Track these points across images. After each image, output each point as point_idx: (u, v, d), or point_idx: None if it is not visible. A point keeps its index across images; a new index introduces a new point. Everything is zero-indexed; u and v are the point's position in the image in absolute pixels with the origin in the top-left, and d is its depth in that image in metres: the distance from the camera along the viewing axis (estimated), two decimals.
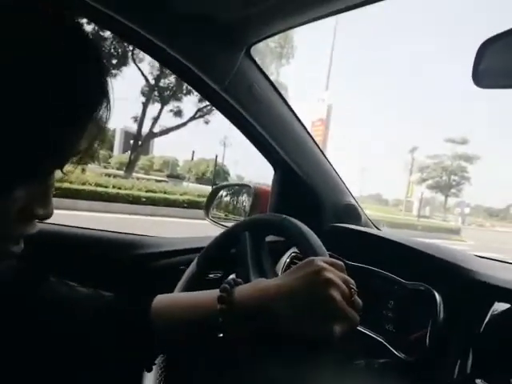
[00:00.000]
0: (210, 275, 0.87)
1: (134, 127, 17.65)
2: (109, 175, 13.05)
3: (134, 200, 9.52)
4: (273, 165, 1.06)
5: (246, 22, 0.83)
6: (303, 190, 1.02)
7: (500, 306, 0.60)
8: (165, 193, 10.57)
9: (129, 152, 19.61)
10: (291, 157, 0.99)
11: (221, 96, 0.93)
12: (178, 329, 0.51)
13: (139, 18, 0.78)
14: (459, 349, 0.61)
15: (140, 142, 16.80)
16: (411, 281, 0.72)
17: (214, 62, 0.90)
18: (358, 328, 0.75)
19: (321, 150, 1.01)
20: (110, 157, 26.38)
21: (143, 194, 9.95)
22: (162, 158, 31.09)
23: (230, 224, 1.07)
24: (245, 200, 1.10)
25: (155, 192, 10.41)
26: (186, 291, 0.78)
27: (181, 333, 0.51)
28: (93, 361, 0.50)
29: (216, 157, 20.74)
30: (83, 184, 9.31)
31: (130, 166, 16.32)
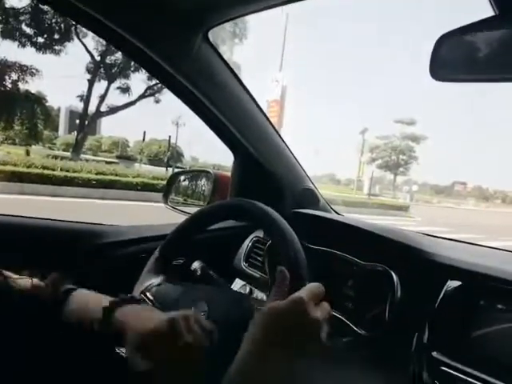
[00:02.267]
0: (173, 262, 0.87)
1: (80, 106, 16.69)
2: (55, 157, 12.37)
3: (84, 183, 9.11)
4: (232, 150, 1.05)
5: (203, 6, 0.80)
6: (263, 176, 1.02)
7: (453, 283, 0.65)
8: (116, 175, 10.19)
9: (75, 132, 18.59)
10: (250, 142, 0.99)
11: (178, 80, 0.91)
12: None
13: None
14: (416, 324, 0.66)
15: (87, 122, 15.97)
16: (369, 262, 0.76)
17: (171, 47, 0.87)
18: None
19: (279, 135, 1.01)
20: (55, 137, 24.88)
21: (93, 176, 9.53)
22: (110, 139, 29.76)
23: (189, 209, 1.07)
24: (204, 185, 1.09)
25: (106, 174, 10.01)
26: (150, 279, 0.78)
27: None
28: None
29: (169, 137, 20.20)
30: (28, 167, 8.80)
31: (77, 147, 15.51)
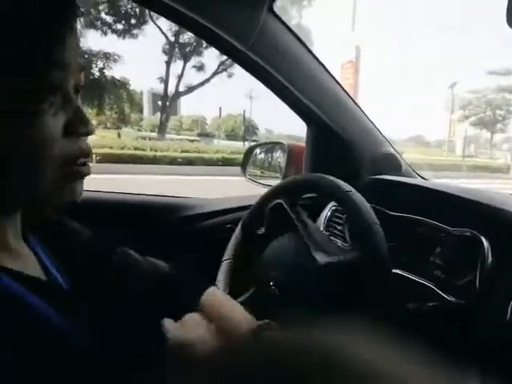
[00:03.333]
0: (257, 232, 0.91)
1: (160, 88, 17.59)
2: (144, 138, 13.42)
3: (171, 161, 9.84)
4: (305, 121, 1.05)
5: None
6: (338, 144, 1.00)
7: None
8: (199, 152, 10.82)
9: (158, 114, 19.71)
10: (323, 111, 0.97)
11: (247, 56, 0.92)
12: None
13: None
14: (510, 291, 0.62)
15: (168, 103, 16.83)
16: (457, 228, 0.72)
17: (237, 22, 0.88)
18: (407, 275, 0.77)
19: (353, 100, 0.98)
20: (141, 120, 26.71)
21: (178, 154, 10.24)
22: (190, 118, 31.11)
23: (266, 181, 1.10)
24: (279, 157, 1.11)
25: (190, 152, 10.67)
26: (237, 249, 0.85)
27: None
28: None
29: (244, 112, 20.45)
30: (122, 148, 9.71)
31: (161, 128, 16.50)
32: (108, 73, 14.65)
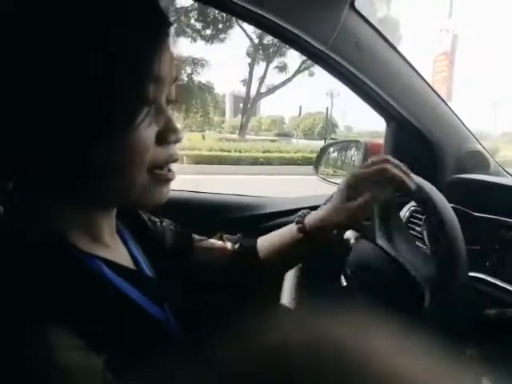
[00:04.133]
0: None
1: (241, 90, 18.08)
2: (227, 140, 14.05)
3: (253, 161, 10.20)
4: (385, 118, 1.03)
5: None
6: (419, 141, 0.97)
7: None
8: (280, 152, 11.03)
9: (239, 116, 20.27)
10: (404, 107, 0.95)
11: (327, 55, 0.93)
12: (275, 258, 0.68)
13: None
14: None
15: (249, 105, 17.25)
16: None
17: (317, 22, 0.89)
18: (491, 279, 0.73)
19: (437, 94, 0.94)
20: (223, 122, 27.75)
21: (261, 154, 10.55)
22: (269, 118, 31.54)
23: (338, 180, 1.10)
24: (353, 155, 1.10)
25: (271, 152, 10.94)
26: None
27: (277, 260, 0.68)
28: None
29: (327, 109, 20.07)
30: (210, 150, 10.33)
31: (242, 129, 16.98)
32: (195, 78, 15.44)
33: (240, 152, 10.68)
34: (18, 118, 0.36)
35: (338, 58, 0.93)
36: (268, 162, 10.29)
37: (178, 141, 0.45)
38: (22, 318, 0.31)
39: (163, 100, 0.42)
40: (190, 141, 12.50)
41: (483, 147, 0.95)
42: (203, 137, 15.82)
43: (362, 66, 0.93)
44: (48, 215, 0.41)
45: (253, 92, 16.86)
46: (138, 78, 0.37)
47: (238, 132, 17.76)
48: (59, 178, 0.39)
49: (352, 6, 0.89)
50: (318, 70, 15.27)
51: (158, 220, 0.63)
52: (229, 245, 0.70)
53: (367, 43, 0.92)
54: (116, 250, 0.48)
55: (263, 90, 16.65)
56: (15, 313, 0.31)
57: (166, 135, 0.43)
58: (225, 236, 0.72)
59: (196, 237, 0.69)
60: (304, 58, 14.84)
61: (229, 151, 10.62)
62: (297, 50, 0.96)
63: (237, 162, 10.02)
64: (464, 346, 0.51)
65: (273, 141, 16.43)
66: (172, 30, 0.41)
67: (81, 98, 0.35)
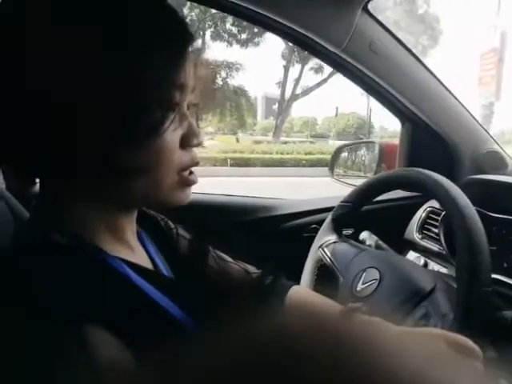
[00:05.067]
0: (343, 232, 0.93)
1: (273, 92, 18.08)
2: (259, 142, 14.09)
3: (296, 163, 10.24)
4: (400, 119, 1.02)
5: None
6: (435, 142, 0.96)
7: None
8: (322, 153, 10.93)
9: (270, 117, 20.26)
10: (420, 108, 0.94)
11: (340, 58, 0.94)
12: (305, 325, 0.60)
13: None
14: None
15: (284, 106, 17.21)
16: None
17: (330, 25, 0.91)
18: (506, 280, 0.72)
19: (453, 96, 0.92)
20: (254, 124, 27.86)
21: (303, 156, 10.61)
22: (301, 119, 31.36)
23: (353, 181, 1.10)
24: (370, 157, 1.09)
25: (313, 154, 10.90)
26: (327, 236, 0.86)
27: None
28: None
29: (369, 110, 19.46)
30: (251, 153, 10.50)
31: (277, 131, 16.95)
32: (230, 81, 15.60)
33: (282, 154, 10.70)
34: (49, 119, 0.38)
35: (351, 61, 0.94)
36: (310, 163, 10.23)
37: (199, 144, 0.47)
38: (51, 319, 0.33)
39: (185, 106, 0.45)
40: (222, 143, 12.62)
41: (501, 147, 0.93)
42: (237, 139, 15.94)
43: (376, 68, 0.94)
44: (74, 217, 0.43)
45: (287, 94, 16.80)
46: (165, 86, 0.40)
47: (272, 134, 17.73)
48: (88, 180, 0.41)
49: (365, 8, 0.90)
50: None
51: (173, 227, 0.63)
52: (253, 275, 0.66)
53: (381, 45, 0.93)
54: (137, 252, 0.50)
55: (298, 91, 16.53)
56: (44, 314, 0.33)
57: (189, 139, 0.45)
58: (246, 265, 0.68)
59: (215, 252, 0.66)
60: None
61: (271, 153, 10.67)
62: (310, 52, 0.98)
63: (280, 163, 10.06)
64: (482, 348, 0.50)
65: (312, 142, 16.30)
66: (194, 40, 0.44)
67: (112, 103, 0.38)
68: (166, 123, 0.41)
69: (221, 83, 15.37)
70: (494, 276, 0.72)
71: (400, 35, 0.97)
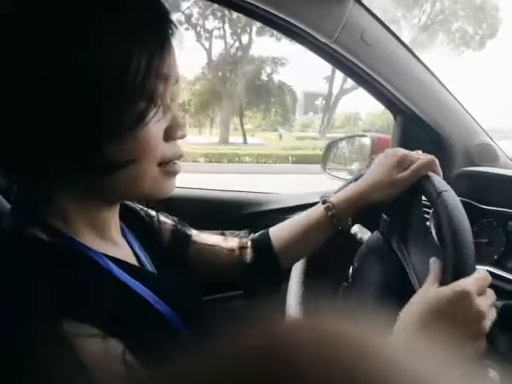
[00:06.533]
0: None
1: (312, 88, 17.76)
2: (302, 138, 13.94)
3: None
4: (392, 111, 1.01)
5: None
6: (428, 135, 0.95)
7: None
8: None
9: (310, 113, 19.96)
10: (412, 101, 0.93)
11: (332, 49, 0.93)
12: (295, 245, 0.67)
13: None
14: None
15: (331, 102, 16.86)
16: None
17: (321, 16, 0.90)
18: (497, 272, 0.71)
19: (446, 89, 0.91)
20: (293, 120, 27.56)
21: None
22: (342, 115, 30.65)
23: (345, 175, 1.08)
24: (362, 150, 1.07)
25: None
26: None
27: (301, 247, 0.69)
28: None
29: None
30: (313, 149, 10.57)
31: (324, 127, 16.61)
32: (275, 77, 15.46)
33: None
34: (30, 117, 0.37)
35: (343, 52, 0.93)
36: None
37: (183, 136, 0.47)
38: (35, 313, 0.32)
39: (169, 98, 0.44)
40: (268, 140, 12.58)
41: (492, 140, 0.90)
42: (280, 136, 15.79)
43: (368, 60, 0.92)
44: (55, 211, 0.42)
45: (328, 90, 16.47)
46: (149, 76, 0.39)
47: (318, 130, 17.38)
48: (70, 173, 0.40)
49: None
50: None
51: (154, 215, 0.63)
52: (235, 240, 0.69)
53: (373, 37, 0.91)
54: (120, 247, 0.49)
55: (347, 86, 16.11)
56: (27, 308, 0.32)
57: (173, 131, 0.45)
58: (227, 232, 0.72)
59: (195, 231, 0.67)
60: None
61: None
62: (302, 44, 0.97)
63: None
64: None
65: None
66: (178, 31, 0.43)
67: (95, 94, 0.37)
68: (150, 115, 0.40)
69: (266, 79, 15.28)
70: (484, 268, 0.71)
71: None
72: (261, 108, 16.02)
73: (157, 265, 0.53)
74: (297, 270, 0.88)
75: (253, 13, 0.92)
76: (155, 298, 0.45)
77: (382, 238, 0.71)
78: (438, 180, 0.60)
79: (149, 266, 0.52)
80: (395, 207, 0.67)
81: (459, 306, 0.45)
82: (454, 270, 0.50)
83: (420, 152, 0.66)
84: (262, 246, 0.67)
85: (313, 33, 0.92)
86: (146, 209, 0.62)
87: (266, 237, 0.69)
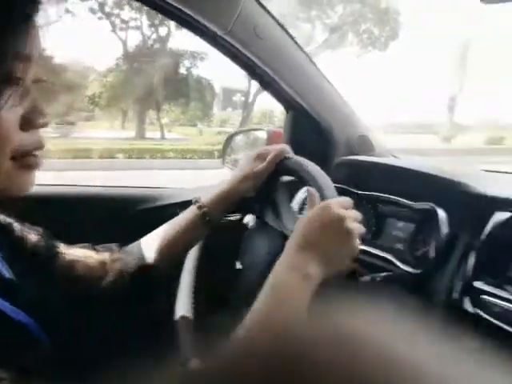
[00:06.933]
0: (230, 218, 0.94)
1: (231, 84, 17.80)
2: (223, 133, 13.87)
3: None
4: (284, 106, 1.06)
5: None
6: (315, 129, 1.01)
7: (501, 215, 0.62)
8: None
9: (228, 109, 19.99)
10: (301, 95, 0.98)
11: (225, 41, 0.94)
12: (173, 246, 0.69)
13: None
14: (461, 257, 0.64)
15: (250, 99, 16.99)
16: (419, 202, 0.73)
17: (216, 7, 0.90)
18: (370, 249, 0.78)
19: (331, 85, 0.97)
20: (211, 116, 27.38)
21: None
22: (259, 112, 31.29)
23: None
24: (260, 144, 1.11)
25: None
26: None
27: (176, 248, 0.70)
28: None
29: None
30: None
31: (243, 123, 16.68)
32: (194, 71, 15.15)
33: None
34: None
35: (237, 45, 0.94)
36: None
37: (44, 125, 0.42)
38: None
39: (29, 80, 0.40)
40: (187, 135, 12.30)
41: (370, 132, 1.00)
42: (200, 132, 15.57)
43: (260, 53, 0.95)
44: None
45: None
46: (5, 56, 0.35)
47: (240, 125, 17.44)
48: None
49: None
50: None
51: (15, 224, 0.57)
52: (106, 254, 0.67)
53: (266, 31, 0.94)
54: None
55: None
56: None
57: (32, 119, 0.40)
58: (97, 247, 0.69)
59: (63, 246, 0.64)
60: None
61: None
62: (196, 34, 0.97)
63: None
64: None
65: None
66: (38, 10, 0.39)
67: None
68: (3, 99, 0.36)
69: (185, 72, 14.94)
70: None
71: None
72: (179, 102, 15.63)
73: (17, 274, 0.49)
74: (189, 265, 0.88)
75: (149, 2, 0.90)
76: (12, 307, 0.41)
77: (258, 220, 0.80)
78: (295, 158, 0.70)
79: (6, 272, 0.47)
80: (263, 192, 0.74)
81: (325, 216, 0.53)
82: (321, 196, 0.59)
83: (281, 145, 0.74)
84: (133, 256, 0.68)
85: (207, 24, 0.92)
86: (3, 216, 0.56)
87: (138, 247, 0.70)
